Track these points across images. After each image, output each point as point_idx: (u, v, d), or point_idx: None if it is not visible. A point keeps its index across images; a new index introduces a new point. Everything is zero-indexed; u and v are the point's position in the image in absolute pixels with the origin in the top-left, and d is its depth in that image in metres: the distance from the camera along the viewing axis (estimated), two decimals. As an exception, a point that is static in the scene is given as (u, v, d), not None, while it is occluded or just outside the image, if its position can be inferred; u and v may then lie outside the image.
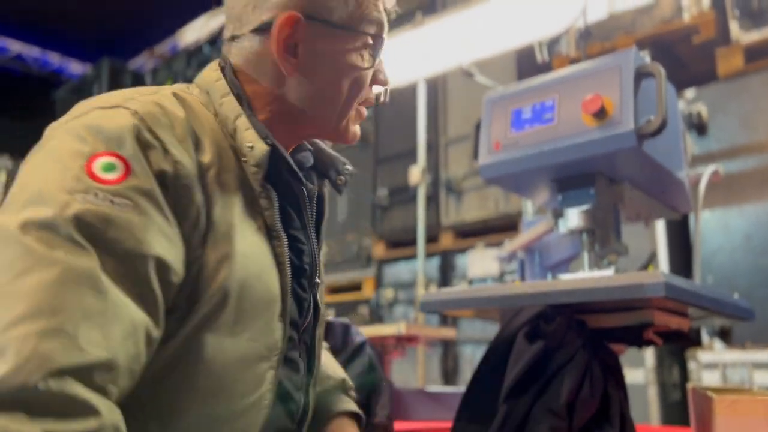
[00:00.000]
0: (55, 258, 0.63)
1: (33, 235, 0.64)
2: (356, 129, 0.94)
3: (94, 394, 0.61)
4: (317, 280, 0.94)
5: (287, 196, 0.88)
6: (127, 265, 0.67)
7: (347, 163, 0.99)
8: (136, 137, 0.72)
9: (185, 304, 0.73)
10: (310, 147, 0.98)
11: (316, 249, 0.93)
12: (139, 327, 0.67)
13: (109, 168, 0.69)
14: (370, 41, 0.89)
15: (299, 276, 0.89)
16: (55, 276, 0.62)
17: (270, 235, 0.83)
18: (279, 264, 0.83)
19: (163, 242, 0.70)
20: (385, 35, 0.91)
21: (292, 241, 0.88)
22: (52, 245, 0.64)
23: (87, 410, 0.60)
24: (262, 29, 0.85)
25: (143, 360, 0.68)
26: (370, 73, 0.91)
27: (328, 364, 1.09)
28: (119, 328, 0.65)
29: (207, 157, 0.78)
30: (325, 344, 1.12)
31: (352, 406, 1.05)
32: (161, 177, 0.72)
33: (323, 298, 0.98)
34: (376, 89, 0.95)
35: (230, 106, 0.85)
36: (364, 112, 0.95)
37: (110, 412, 0.63)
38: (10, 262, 0.63)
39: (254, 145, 0.82)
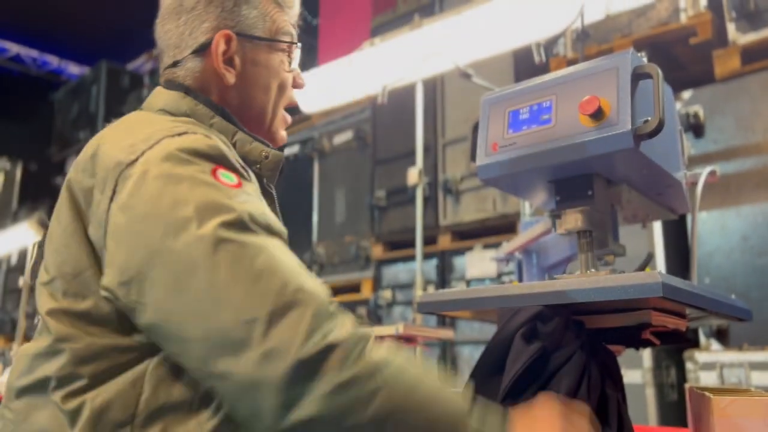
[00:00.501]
0: (261, 243, 0.79)
1: (236, 232, 0.78)
2: (284, 133, 1.13)
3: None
4: None
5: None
6: (279, 238, 0.85)
7: None
8: (226, 153, 0.87)
9: None
10: None
11: None
12: None
13: (228, 177, 0.84)
14: (287, 48, 1.08)
15: None
16: (272, 253, 0.79)
17: None
18: None
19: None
20: (297, 43, 1.10)
21: None
22: (253, 235, 0.79)
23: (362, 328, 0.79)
24: (201, 49, 1.02)
25: None
26: (291, 76, 1.10)
27: None
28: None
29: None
30: None
31: None
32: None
33: None
34: (296, 92, 1.14)
35: (221, 125, 0.99)
36: (289, 117, 1.13)
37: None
38: (236, 256, 0.76)
39: (268, 153, 1.01)
